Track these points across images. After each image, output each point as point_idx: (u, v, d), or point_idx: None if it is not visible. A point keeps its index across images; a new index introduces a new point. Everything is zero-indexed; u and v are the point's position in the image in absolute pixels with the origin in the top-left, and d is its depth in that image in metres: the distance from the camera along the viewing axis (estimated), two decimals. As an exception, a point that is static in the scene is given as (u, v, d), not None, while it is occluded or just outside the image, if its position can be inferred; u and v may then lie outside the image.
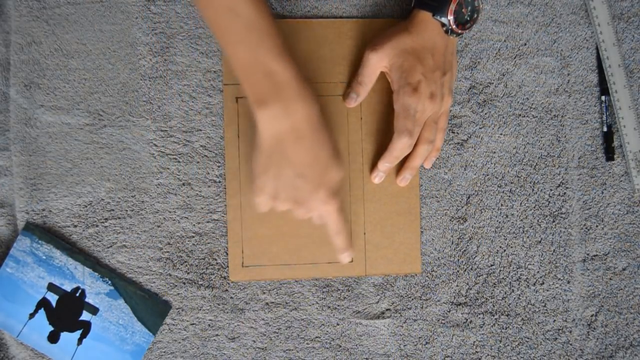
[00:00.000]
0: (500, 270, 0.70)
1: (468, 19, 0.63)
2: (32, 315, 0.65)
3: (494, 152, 0.70)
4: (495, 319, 0.70)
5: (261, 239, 0.67)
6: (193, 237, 0.67)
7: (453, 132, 0.70)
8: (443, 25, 0.62)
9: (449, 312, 0.70)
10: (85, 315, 0.65)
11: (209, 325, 0.67)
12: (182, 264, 0.67)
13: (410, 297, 0.69)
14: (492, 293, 0.70)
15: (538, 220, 0.71)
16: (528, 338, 0.70)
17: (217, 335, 0.67)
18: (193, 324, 0.67)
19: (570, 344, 0.71)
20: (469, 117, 0.70)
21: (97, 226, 0.66)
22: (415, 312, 0.69)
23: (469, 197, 0.70)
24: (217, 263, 0.67)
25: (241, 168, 0.67)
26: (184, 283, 0.67)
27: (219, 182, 0.67)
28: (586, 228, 0.71)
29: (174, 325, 0.67)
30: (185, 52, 0.67)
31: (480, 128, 0.70)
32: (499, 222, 0.70)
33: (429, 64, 0.62)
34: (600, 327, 0.71)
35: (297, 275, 0.68)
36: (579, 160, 0.71)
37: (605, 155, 0.71)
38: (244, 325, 0.67)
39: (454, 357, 0.70)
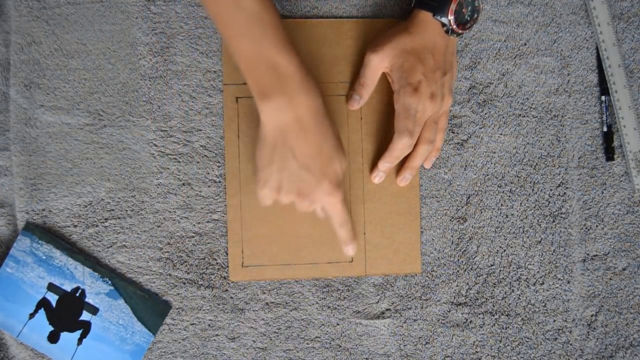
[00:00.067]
0: (500, 270, 0.70)
1: (468, 19, 0.63)
2: (32, 315, 0.65)
3: (494, 152, 0.70)
4: (495, 319, 0.70)
5: (261, 239, 0.67)
6: (193, 237, 0.67)
7: (453, 132, 0.70)
8: (443, 25, 0.62)
9: (449, 312, 0.70)
10: (85, 315, 0.65)
11: (209, 325, 0.67)
12: (182, 264, 0.67)
13: (410, 297, 0.69)
14: (492, 293, 0.70)
15: (538, 220, 0.71)
16: (528, 338, 0.70)
17: (217, 335, 0.67)
18: (193, 324, 0.67)
19: (570, 344, 0.71)
20: (469, 117, 0.70)
21: (97, 226, 0.66)
22: (415, 312, 0.69)
23: (469, 197, 0.70)
24: (217, 263, 0.67)
25: (241, 168, 0.67)
26: (184, 283, 0.67)
27: (219, 182, 0.67)
28: (586, 228, 0.71)
29: (174, 325, 0.67)
30: (185, 52, 0.67)
31: (480, 128, 0.70)
32: (499, 222, 0.70)
33: (429, 64, 0.62)
34: (600, 327, 0.71)
35: (297, 275, 0.68)
36: (579, 160, 0.71)
37: (605, 155, 0.71)
38: (244, 325, 0.67)
39: (454, 357, 0.70)
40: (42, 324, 0.65)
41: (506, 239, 0.70)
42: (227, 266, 0.67)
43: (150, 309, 0.66)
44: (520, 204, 0.71)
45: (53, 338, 0.65)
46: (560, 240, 0.71)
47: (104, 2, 0.66)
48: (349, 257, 0.67)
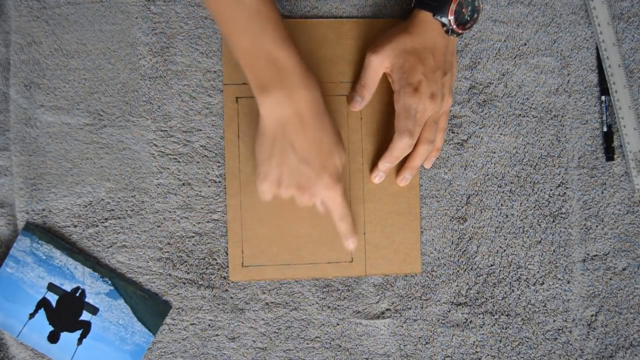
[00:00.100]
0: (500, 270, 0.70)
1: (468, 19, 0.63)
2: (32, 315, 0.65)
3: (494, 152, 0.70)
4: (495, 319, 0.70)
5: (261, 239, 0.67)
6: (193, 237, 0.67)
7: (453, 132, 0.70)
8: (443, 25, 0.62)
9: (449, 312, 0.70)
10: (85, 315, 0.65)
11: (209, 325, 0.67)
12: (182, 264, 0.67)
13: (410, 297, 0.69)
14: (492, 293, 0.70)
15: (538, 220, 0.71)
16: (528, 338, 0.70)
17: (217, 335, 0.67)
18: (193, 324, 0.67)
19: (570, 344, 0.71)
20: (469, 117, 0.70)
21: (97, 226, 0.66)
22: (415, 312, 0.69)
23: (469, 197, 0.70)
24: (217, 263, 0.67)
25: (241, 168, 0.67)
26: (184, 283, 0.67)
27: (219, 182, 0.67)
28: (586, 228, 0.71)
29: (174, 325, 0.67)
30: (185, 52, 0.67)
31: (480, 128, 0.70)
32: (499, 222, 0.70)
33: (429, 64, 0.62)
34: (600, 327, 0.71)
35: (297, 275, 0.68)
36: (579, 160, 0.71)
37: (605, 155, 0.71)
38: (244, 325, 0.67)
39: (454, 357, 0.70)
40: (42, 324, 0.65)
41: (506, 239, 0.70)
42: (227, 266, 0.67)
43: (150, 309, 0.66)
44: (520, 204, 0.71)
45: (53, 338, 0.65)
46: (560, 240, 0.71)
47: (104, 2, 0.66)
48: (350, 251, 0.67)
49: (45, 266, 0.65)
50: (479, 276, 0.70)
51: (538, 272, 0.71)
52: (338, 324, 0.68)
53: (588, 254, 0.71)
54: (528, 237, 0.71)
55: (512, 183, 0.71)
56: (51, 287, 0.65)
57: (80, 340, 0.65)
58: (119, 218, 0.66)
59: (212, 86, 0.67)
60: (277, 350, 0.68)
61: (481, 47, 0.70)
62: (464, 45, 0.70)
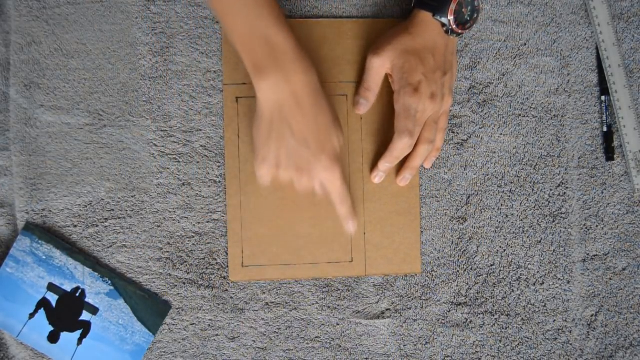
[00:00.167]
0: (500, 270, 0.70)
1: (468, 19, 0.63)
2: (32, 315, 0.65)
3: (494, 152, 0.70)
4: (495, 319, 0.70)
5: (261, 239, 0.67)
6: (193, 237, 0.67)
7: (453, 132, 0.70)
8: (443, 25, 0.62)
9: (449, 312, 0.70)
10: (85, 315, 0.65)
11: (209, 325, 0.67)
12: (182, 264, 0.67)
13: (410, 297, 0.69)
14: (492, 293, 0.70)
15: (538, 220, 0.71)
16: (528, 338, 0.70)
17: (217, 335, 0.67)
18: (193, 324, 0.67)
19: (570, 344, 0.71)
20: (469, 117, 0.70)
21: (97, 226, 0.66)
22: (415, 312, 0.69)
23: (469, 197, 0.70)
24: (217, 263, 0.67)
25: (241, 168, 0.67)
26: (184, 283, 0.67)
27: (219, 182, 0.67)
28: (586, 228, 0.71)
29: (174, 325, 0.67)
30: (185, 52, 0.67)
31: (480, 128, 0.70)
32: (499, 222, 0.70)
33: (429, 64, 0.62)
34: (600, 327, 0.71)
35: (297, 275, 0.68)
36: (579, 160, 0.71)
37: (605, 155, 0.71)
38: (244, 325, 0.67)
39: (454, 357, 0.70)
40: (42, 324, 0.65)
41: (506, 239, 0.70)
42: (227, 266, 0.67)
43: (150, 309, 0.66)
44: (520, 204, 0.71)
45: (53, 338, 0.65)
46: (560, 240, 0.71)
47: (104, 2, 0.66)
48: (350, 233, 0.67)
49: (45, 266, 0.65)
50: (479, 276, 0.70)
51: (538, 272, 0.71)
52: (338, 324, 0.68)
53: (588, 254, 0.71)
54: (528, 237, 0.71)
55: (512, 183, 0.71)
56: (51, 287, 0.65)
57: (80, 340, 0.65)
58: (119, 218, 0.66)
59: (212, 86, 0.67)
60: (277, 350, 0.68)
61: (481, 47, 0.70)
62: (464, 45, 0.70)
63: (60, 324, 0.65)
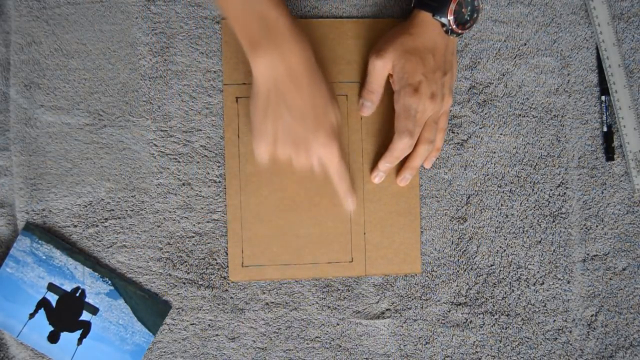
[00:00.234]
0: (500, 270, 0.70)
1: (468, 18, 0.63)
2: (32, 315, 0.65)
3: (494, 152, 0.70)
4: (495, 319, 0.70)
5: (261, 239, 0.67)
6: (193, 237, 0.67)
7: (453, 132, 0.70)
8: (443, 25, 0.62)
9: (449, 312, 0.70)
10: (85, 315, 0.65)
11: (209, 325, 0.67)
12: (182, 264, 0.67)
13: (410, 297, 0.69)
14: (492, 293, 0.70)
15: (538, 220, 0.71)
16: (528, 338, 0.70)
17: (217, 335, 0.67)
18: (193, 324, 0.67)
19: (570, 344, 0.71)
20: (469, 117, 0.70)
21: (97, 226, 0.66)
22: (415, 312, 0.69)
23: (469, 197, 0.70)
24: (217, 263, 0.67)
25: (241, 168, 0.67)
26: (184, 283, 0.67)
27: (219, 182, 0.67)
28: (586, 228, 0.71)
29: (174, 325, 0.67)
30: (185, 52, 0.67)
31: (480, 128, 0.70)
32: (499, 222, 0.70)
33: (429, 64, 0.62)
34: (600, 327, 0.71)
35: (297, 275, 0.68)
36: (579, 160, 0.71)
37: (605, 155, 0.71)
38: (244, 325, 0.67)
39: (454, 357, 0.70)
40: (42, 324, 0.65)
41: (506, 239, 0.70)
42: (227, 266, 0.67)
43: (150, 309, 0.66)
44: (520, 204, 0.71)
45: (53, 338, 0.65)
46: (560, 240, 0.71)
47: (104, 2, 0.66)
48: (349, 211, 0.67)
49: (45, 266, 0.65)
50: (479, 276, 0.70)
51: (538, 272, 0.71)
52: (338, 324, 0.68)
53: (588, 254, 0.71)
54: (528, 237, 0.71)
55: (512, 183, 0.71)
56: (51, 287, 0.65)
57: (80, 340, 0.65)
58: (119, 218, 0.66)
59: (212, 86, 0.67)
60: (277, 350, 0.68)
61: (481, 47, 0.70)
62: (464, 45, 0.70)
63: (60, 324, 0.65)
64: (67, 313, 0.65)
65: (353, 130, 0.68)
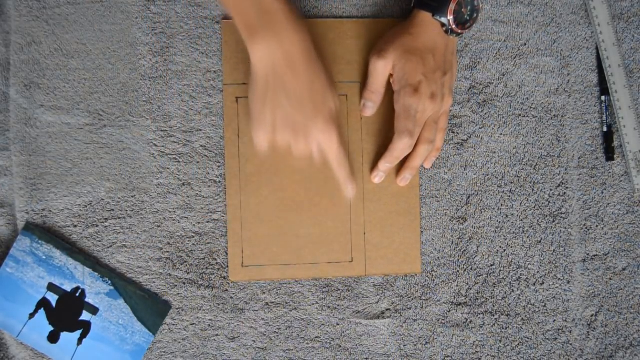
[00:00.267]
0: (500, 270, 0.70)
1: (468, 18, 0.63)
2: (32, 315, 0.65)
3: (494, 152, 0.70)
4: (495, 319, 0.70)
5: (261, 239, 0.67)
6: (193, 237, 0.67)
7: (453, 132, 0.70)
8: (443, 25, 0.62)
9: (449, 312, 0.70)
10: (85, 315, 0.65)
11: (209, 325, 0.67)
12: (182, 264, 0.67)
13: (410, 297, 0.69)
14: (492, 293, 0.70)
15: (538, 220, 0.71)
16: (528, 338, 0.70)
17: (217, 335, 0.67)
18: (193, 324, 0.67)
19: (570, 344, 0.71)
20: (469, 117, 0.70)
21: (97, 226, 0.66)
22: (415, 312, 0.69)
23: (469, 197, 0.70)
24: (217, 263, 0.67)
25: (241, 168, 0.67)
26: (184, 283, 0.67)
27: (219, 182, 0.67)
28: (586, 228, 0.71)
29: (174, 325, 0.67)
30: (185, 52, 0.67)
31: (480, 128, 0.70)
32: (499, 222, 0.70)
33: (429, 64, 0.62)
34: (600, 327, 0.71)
35: (297, 275, 0.68)
36: (579, 160, 0.71)
37: (605, 155, 0.71)
38: (244, 325, 0.67)
39: (454, 357, 0.70)
40: (42, 324, 0.65)
41: (506, 239, 0.70)
42: (227, 266, 0.67)
43: (150, 309, 0.66)
44: (520, 204, 0.71)
45: (53, 338, 0.65)
46: (560, 240, 0.71)
47: (104, 2, 0.66)
48: (349, 198, 0.66)
49: (45, 266, 0.65)
50: (479, 276, 0.70)
51: (538, 272, 0.71)
52: (338, 324, 0.68)
53: (588, 254, 0.71)
54: (528, 237, 0.71)
55: (512, 183, 0.71)
56: (51, 287, 0.65)
57: (80, 340, 0.65)
58: (119, 218, 0.66)
59: (212, 86, 0.67)
60: (277, 350, 0.68)
61: (481, 47, 0.70)
62: (464, 45, 0.70)
63: (60, 324, 0.65)
64: (67, 313, 0.65)
65: (353, 130, 0.68)
